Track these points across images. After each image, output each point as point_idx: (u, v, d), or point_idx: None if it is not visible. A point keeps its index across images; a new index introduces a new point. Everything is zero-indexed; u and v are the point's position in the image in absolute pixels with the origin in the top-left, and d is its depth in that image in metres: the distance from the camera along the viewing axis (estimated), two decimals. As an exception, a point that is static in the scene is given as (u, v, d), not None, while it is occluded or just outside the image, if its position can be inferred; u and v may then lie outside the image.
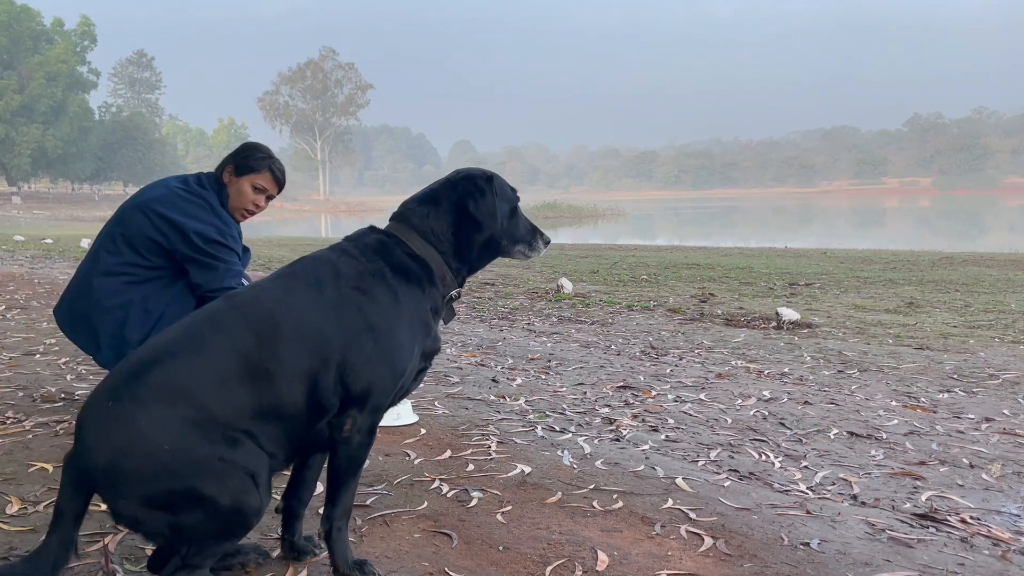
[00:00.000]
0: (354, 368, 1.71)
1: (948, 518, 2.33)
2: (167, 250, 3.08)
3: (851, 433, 3.27)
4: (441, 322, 1.98)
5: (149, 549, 1.80)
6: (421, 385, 2.20)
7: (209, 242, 3.04)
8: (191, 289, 3.11)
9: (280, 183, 3.28)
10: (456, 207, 1.92)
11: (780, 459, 2.90)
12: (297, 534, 1.93)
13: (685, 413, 3.55)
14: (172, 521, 1.53)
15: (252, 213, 3.27)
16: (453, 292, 1.94)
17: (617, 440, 3.09)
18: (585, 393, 3.91)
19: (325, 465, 1.85)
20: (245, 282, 3.11)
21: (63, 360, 4.35)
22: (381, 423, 3.10)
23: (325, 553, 1.94)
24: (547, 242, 2.09)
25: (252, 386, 1.62)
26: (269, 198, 3.29)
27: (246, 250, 3.30)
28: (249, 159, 3.20)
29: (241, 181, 3.18)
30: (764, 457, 2.93)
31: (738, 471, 2.75)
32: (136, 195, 3.27)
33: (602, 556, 1.99)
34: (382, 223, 2.00)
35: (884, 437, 3.22)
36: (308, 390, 1.68)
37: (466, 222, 1.93)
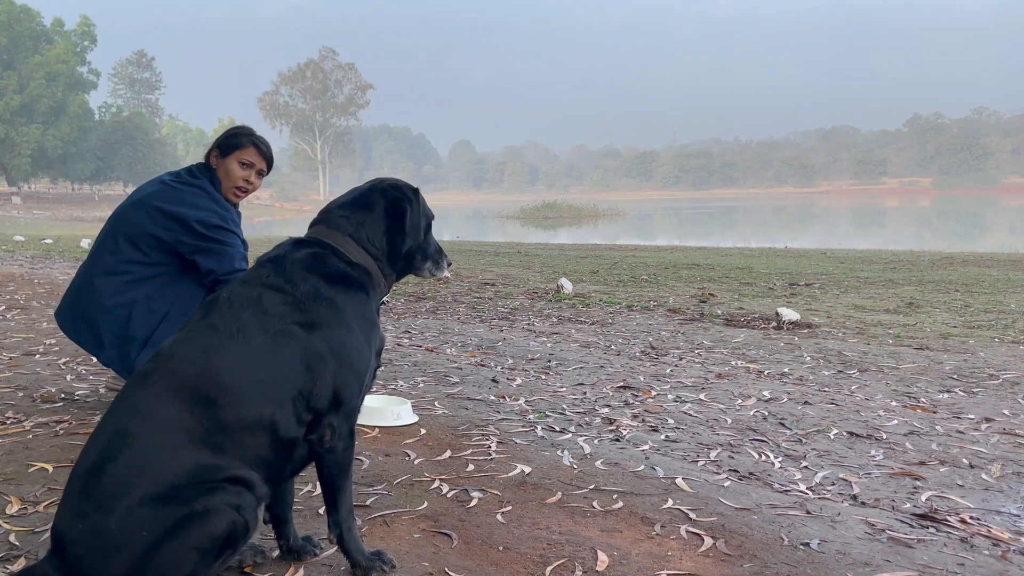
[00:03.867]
0: (314, 393, 1.70)
1: (948, 518, 2.33)
2: (170, 246, 3.11)
3: (851, 433, 3.27)
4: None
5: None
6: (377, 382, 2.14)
7: (212, 228, 3.09)
8: (198, 282, 3.14)
9: (266, 156, 3.34)
10: (388, 214, 1.92)
11: (780, 459, 2.90)
12: (292, 537, 1.93)
13: (685, 413, 3.55)
14: (170, 570, 1.52)
15: (246, 191, 3.32)
16: (385, 298, 1.92)
17: (617, 440, 3.09)
18: (585, 393, 3.91)
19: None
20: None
21: (63, 360, 4.35)
22: (381, 423, 3.15)
23: (325, 552, 1.95)
24: (450, 264, 2.12)
25: (208, 450, 1.58)
26: (260, 174, 3.35)
27: (244, 244, 3.32)
28: (231, 138, 3.29)
29: (228, 161, 3.26)
30: (764, 457, 2.93)
31: (738, 471, 2.75)
32: (132, 194, 3.32)
33: (602, 556, 1.99)
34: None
35: (884, 437, 3.22)
36: (270, 432, 1.66)
37: (395, 231, 1.93)
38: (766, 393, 3.96)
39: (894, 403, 3.82)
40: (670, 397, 3.86)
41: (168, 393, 1.62)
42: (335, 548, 1.87)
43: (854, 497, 2.53)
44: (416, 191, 2.00)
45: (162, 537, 1.50)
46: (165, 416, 1.60)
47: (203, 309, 1.76)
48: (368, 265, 1.88)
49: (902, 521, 2.32)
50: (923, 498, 2.52)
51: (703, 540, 2.12)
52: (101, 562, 1.50)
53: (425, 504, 2.33)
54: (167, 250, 3.12)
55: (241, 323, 1.70)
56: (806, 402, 3.80)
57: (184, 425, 1.59)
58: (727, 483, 2.61)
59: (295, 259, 1.81)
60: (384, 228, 1.92)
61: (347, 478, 1.80)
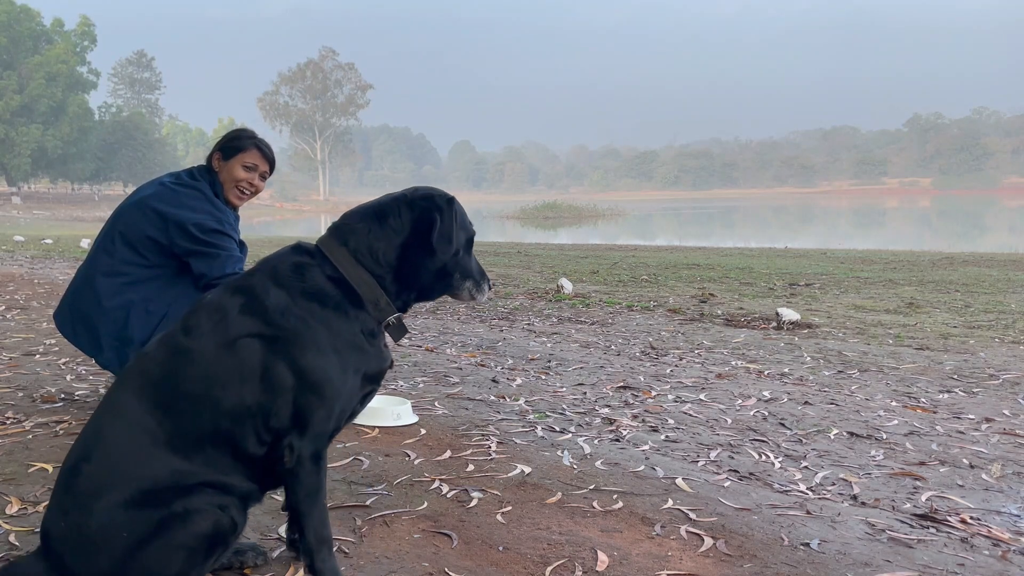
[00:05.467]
0: (273, 414, 1.61)
1: (948, 518, 2.33)
2: (166, 247, 3.10)
3: (851, 433, 3.27)
4: (390, 341, 1.84)
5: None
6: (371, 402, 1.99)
7: (208, 231, 3.09)
8: (194, 284, 3.13)
9: (268, 158, 3.33)
10: (411, 227, 1.75)
11: (780, 459, 2.90)
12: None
13: (685, 413, 3.55)
14: (158, 569, 1.52)
15: (249, 193, 3.32)
16: (391, 318, 1.76)
17: (617, 440, 3.09)
18: (585, 393, 3.91)
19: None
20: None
21: (63, 360, 4.35)
22: (381, 423, 3.15)
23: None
24: (491, 286, 1.93)
25: (176, 455, 1.56)
26: (263, 176, 3.33)
27: (243, 245, 3.32)
28: (234, 141, 3.29)
29: (231, 163, 3.26)
30: (764, 457, 2.93)
31: (738, 471, 2.75)
32: (132, 195, 3.31)
33: (602, 556, 1.99)
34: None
35: (884, 437, 3.22)
36: (230, 447, 1.61)
37: (418, 245, 1.75)
38: (766, 393, 3.96)
39: (894, 403, 3.82)
40: (670, 397, 3.86)
41: (136, 394, 1.61)
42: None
43: (854, 497, 2.52)
44: (451, 201, 1.80)
45: (144, 538, 1.50)
46: (133, 418, 1.59)
47: (187, 311, 1.74)
48: (359, 282, 1.72)
49: (902, 521, 2.32)
50: (923, 498, 2.52)
51: (703, 540, 2.12)
52: (83, 560, 1.51)
53: (425, 504, 2.33)
54: (164, 252, 3.12)
55: (209, 327, 1.64)
56: (806, 402, 3.80)
57: (149, 428, 1.57)
58: (727, 483, 2.61)
59: (279, 268, 1.71)
60: (400, 242, 1.75)
61: (314, 505, 1.67)
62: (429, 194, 1.81)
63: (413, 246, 1.76)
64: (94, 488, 1.53)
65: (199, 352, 1.62)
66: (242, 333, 1.63)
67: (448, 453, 2.84)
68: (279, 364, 1.62)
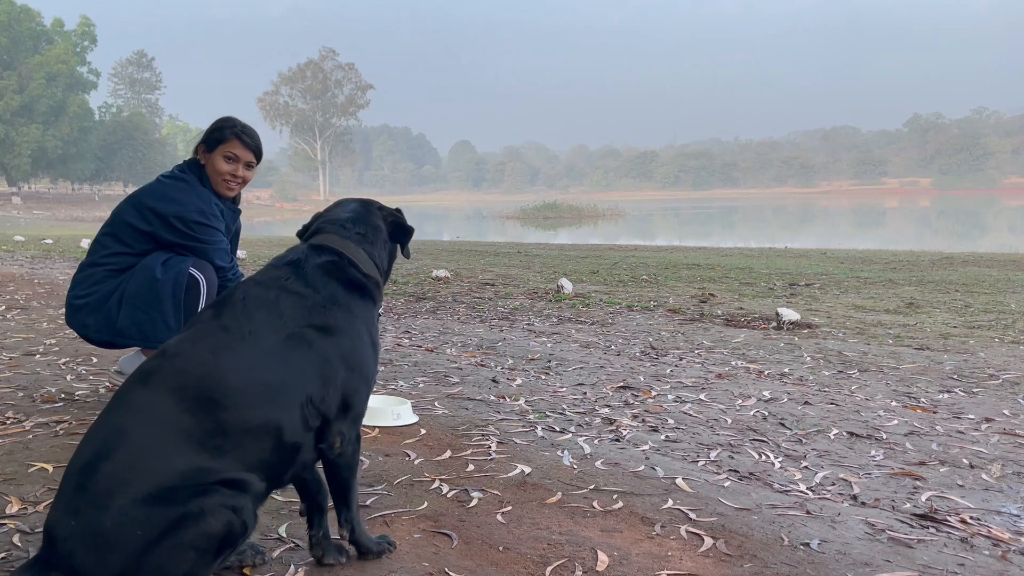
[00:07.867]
0: (325, 399, 1.72)
1: (948, 518, 2.33)
2: (146, 233, 3.17)
3: (851, 433, 3.27)
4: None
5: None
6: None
7: (191, 224, 3.16)
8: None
9: (251, 147, 3.30)
10: (391, 236, 2.06)
11: (780, 459, 2.90)
12: (325, 530, 1.93)
13: (685, 413, 3.55)
14: (167, 568, 1.52)
15: (237, 184, 3.31)
16: (380, 308, 2.01)
17: (617, 440, 3.09)
18: (585, 393, 3.91)
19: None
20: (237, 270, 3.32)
21: (63, 360, 4.35)
22: (381, 423, 3.15)
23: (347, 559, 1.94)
24: None
25: (205, 453, 1.56)
26: (249, 166, 3.32)
27: (236, 236, 3.44)
28: (215, 132, 3.30)
29: (213, 156, 3.27)
30: (764, 457, 2.93)
31: (738, 471, 2.75)
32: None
33: (602, 556, 1.99)
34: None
35: (884, 437, 3.22)
36: (274, 436, 1.64)
37: (394, 252, 2.10)
38: (766, 393, 3.96)
39: (894, 403, 3.82)
40: (670, 397, 3.86)
41: (170, 393, 1.60)
42: (349, 545, 1.91)
43: (854, 497, 2.53)
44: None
45: (157, 537, 1.49)
46: (164, 416, 1.58)
47: (214, 308, 1.75)
48: (377, 278, 1.95)
49: (902, 521, 2.32)
50: (923, 498, 2.52)
51: (703, 540, 2.12)
52: (94, 559, 1.49)
53: (425, 504, 2.33)
54: (144, 238, 3.18)
55: (254, 324, 1.71)
56: (806, 402, 3.80)
57: (182, 426, 1.57)
58: (727, 483, 2.61)
59: (316, 264, 1.85)
60: (389, 250, 2.05)
61: (355, 477, 1.86)
62: (392, 210, 2.10)
63: (392, 253, 2.09)
64: (113, 486, 1.51)
65: (251, 347, 1.68)
66: (297, 325, 1.74)
67: (448, 453, 2.84)
68: (331, 351, 1.75)
